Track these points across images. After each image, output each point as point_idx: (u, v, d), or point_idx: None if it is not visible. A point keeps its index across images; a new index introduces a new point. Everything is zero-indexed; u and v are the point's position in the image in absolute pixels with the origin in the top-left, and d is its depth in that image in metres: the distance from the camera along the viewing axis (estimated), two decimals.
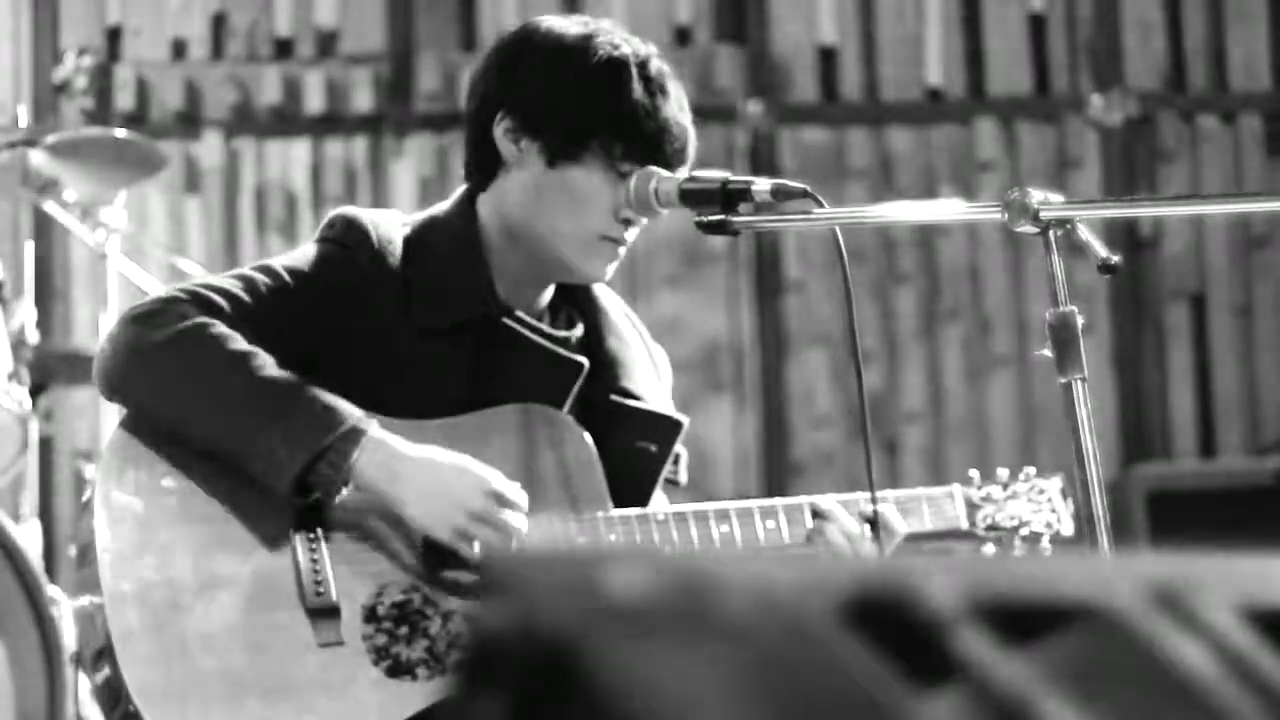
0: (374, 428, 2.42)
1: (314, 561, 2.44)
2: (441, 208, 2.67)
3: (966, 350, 6.27)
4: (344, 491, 2.42)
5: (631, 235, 2.56)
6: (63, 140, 4.45)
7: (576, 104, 2.53)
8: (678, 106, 2.55)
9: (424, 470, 2.43)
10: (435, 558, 2.48)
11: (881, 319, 6.25)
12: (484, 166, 2.61)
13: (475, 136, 2.61)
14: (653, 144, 2.52)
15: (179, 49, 6.24)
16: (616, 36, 2.58)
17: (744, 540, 2.59)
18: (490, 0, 6.26)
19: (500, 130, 2.57)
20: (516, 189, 2.58)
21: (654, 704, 0.75)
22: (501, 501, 2.43)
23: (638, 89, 2.52)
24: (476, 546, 2.43)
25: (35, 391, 4.13)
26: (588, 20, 2.62)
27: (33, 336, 4.14)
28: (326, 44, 6.27)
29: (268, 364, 2.42)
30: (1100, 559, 1.68)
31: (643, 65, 2.55)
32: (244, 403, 2.41)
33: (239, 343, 2.43)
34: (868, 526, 2.61)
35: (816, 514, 2.63)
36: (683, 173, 2.53)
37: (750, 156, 6.24)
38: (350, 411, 2.41)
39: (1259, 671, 0.84)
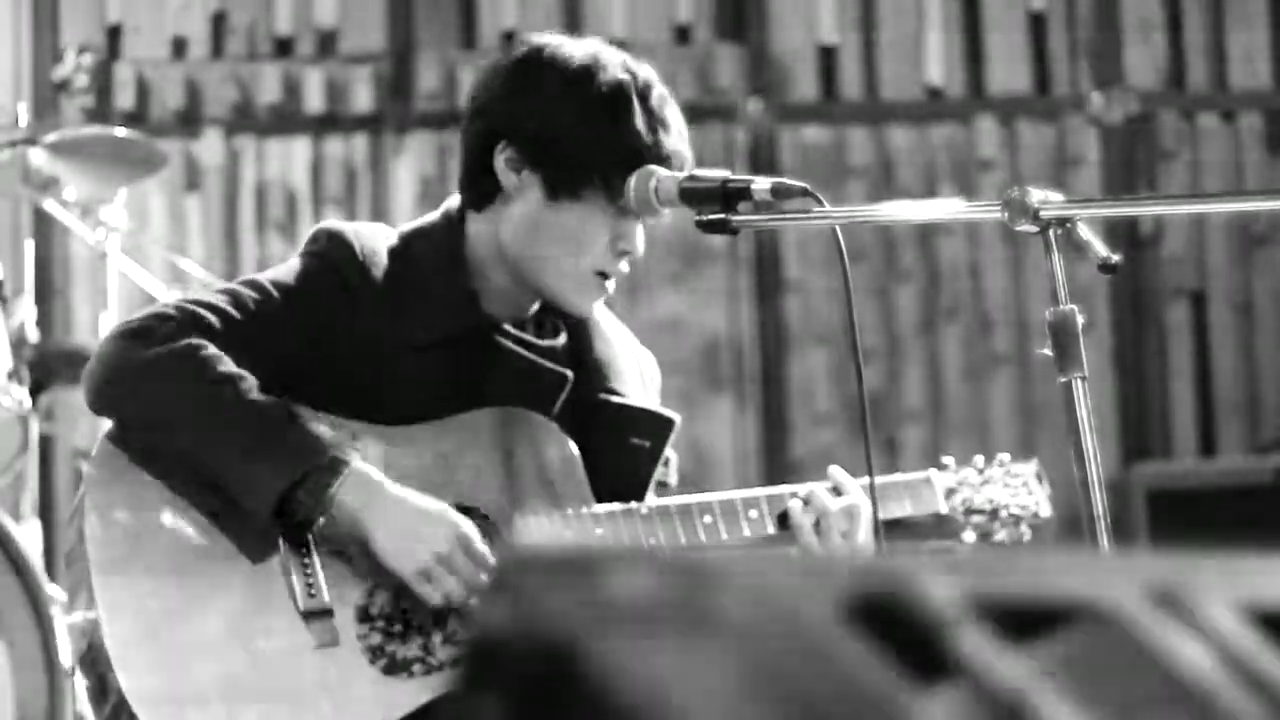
0: (355, 459, 2.43)
1: (305, 564, 2.44)
2: (429, 219, 2.67)
3: (966, 349, 6.27)
4: (321, 520, 2.43)
5: (625, 267, 2.57)
6: (63, 139, 4.44)
7: (579, 141, 2.52)
8: (678, 136, 2.55)
9: (399, 507, 2.43)
10: None
11: (882, 318, 6.25)
12: (481, 189, 2.60)
13: (475, 159, 2.60)
14: None
15: (179, 47, 6.24)
16: (619, 66, 2.56)
17: (728, 532, 2.60)
18: None
19: (502, 159, 2.56)
20: (513, 219, 2.58)
21: (654, 703, 0.75)
22: (468, 551, 2.44)
23: (640, 125, 2.52)
24: (430, 592, 2.43)
25: (35, 390, 4.13)
26: (593, 45, 2.60)
27: (33, 335, 4.14)
28: (326, 43, 6.27)
29: (253, 388, 2.43)
30: (1100, 558, 1.68)
31: (644, 97, 2.54)
32: (228, 426, 2.42)
33: (226, 365, 2.44)
34: (847, 502, 2.61)
35: (789, 513, 2.63)
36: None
37: (750, 155, 6.23)
38: (333, 441, 2.42)
39: (1259, 671, 0.84)
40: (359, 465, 2.42)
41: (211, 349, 2.44)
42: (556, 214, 2.54)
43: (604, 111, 2.52)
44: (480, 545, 2.45)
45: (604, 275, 2.56)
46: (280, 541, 2.44)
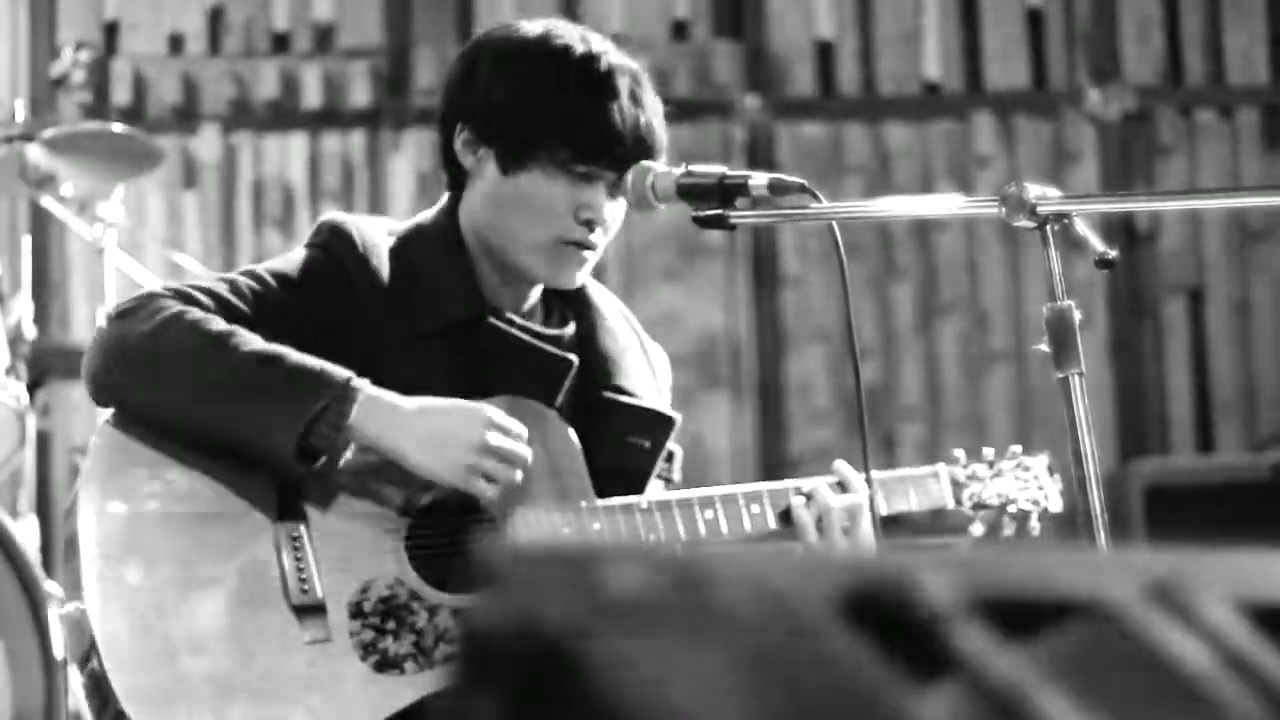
0: (366, 384, 2.42)
1: (298, 559, 2.43)
2: (426, 215, 2.68)
3: (964, 345, 6.27)
4: (347, 454, 2.42)
5: (598, 237, 2.56)
6: (60, 135, 4.44)
7: (518, 111, 2.54)
8: (630, 102, 2.53)
9: (422, 416, 2.43)
10: (421, 555, 2.48)
11: (879, 314, 6.25)
12: (453, 177, 2.64)
13: (442, 148, 2.64)
14: (599, 145, 2.51)
15: (176, 44, 6.24)
16: (568, 37, 2.57)
17: (729, 527, 2.59)
18: None
19: (460, 142, 2.60)
20: (478, 199, 2.60)
21: (651, 699, 0.75)
22: (502, 430, 2.44)
23: (577, 92, 2.52)
24: (485, 486, 2.43)
25: (32, 386, 4.14)
26: (547, 23, 2.62)
27: (30, 331, 4.14)
28: (324, 38, 6.27)
29: (251, 339, 2.42)
30: (1098, 554, 1.68)
31: (586, 65, 2.54)
32: (233, 379, 2.41)
33: (219, 323, 2.43)
34: (850, 499, 2.61)
35: (791, 509, 2.63)
36: (665, 163, 2.52)
37: (748, 151, 6.23)
38: (340, 371, 2.41)
39: (1256, 666, 0.84)
40: (370, 389, 2.42)
41: (200, 311, 2.44)
42: (512, 185, 2.56)
43: (541, 79, 2.54)
44: (509, 420, 2.45)
45: (577, 245, 2.56)
46: (276, 531, 2.44)
